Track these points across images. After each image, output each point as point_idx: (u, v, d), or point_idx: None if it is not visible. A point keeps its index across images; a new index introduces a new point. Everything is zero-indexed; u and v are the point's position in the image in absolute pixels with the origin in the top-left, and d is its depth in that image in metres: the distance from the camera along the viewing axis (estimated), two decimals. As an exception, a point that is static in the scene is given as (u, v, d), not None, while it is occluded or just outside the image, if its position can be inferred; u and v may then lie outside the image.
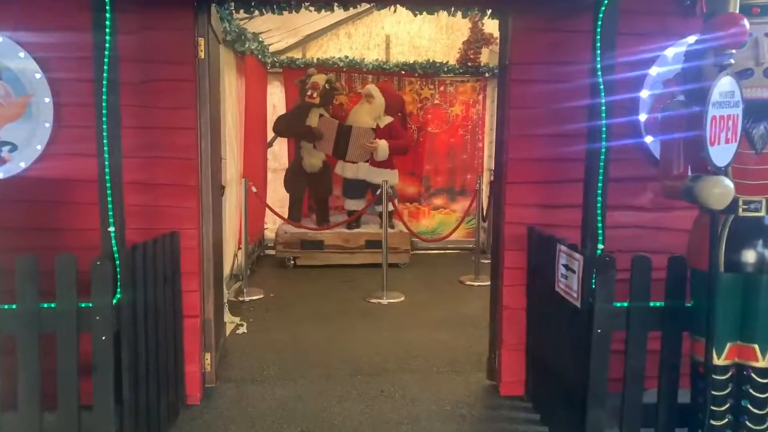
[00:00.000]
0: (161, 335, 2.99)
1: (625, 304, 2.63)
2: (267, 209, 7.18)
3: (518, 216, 3.38)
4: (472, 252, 7.34)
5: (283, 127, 6.49)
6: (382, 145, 6.31)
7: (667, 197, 2.67)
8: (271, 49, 6.79)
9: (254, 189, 5.44)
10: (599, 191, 2.66)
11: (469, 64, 7.10)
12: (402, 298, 5.45)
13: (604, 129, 2.65)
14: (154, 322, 2.90)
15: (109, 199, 2.53)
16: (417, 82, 7.21)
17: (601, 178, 2.66)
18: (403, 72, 7.11)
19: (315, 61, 6.98)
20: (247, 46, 5.22)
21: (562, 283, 2.89)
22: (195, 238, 3.29)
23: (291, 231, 6.48)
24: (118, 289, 2.52)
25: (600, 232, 2.67)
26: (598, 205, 2.67)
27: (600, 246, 2.67)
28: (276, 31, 6.07)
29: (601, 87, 2.66)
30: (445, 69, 7.10)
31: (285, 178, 6.74)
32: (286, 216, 6.71)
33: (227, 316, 4.74)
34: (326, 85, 6.29)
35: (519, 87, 3.32)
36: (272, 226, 7.27)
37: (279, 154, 7.32)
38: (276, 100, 7.16)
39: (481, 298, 5.39)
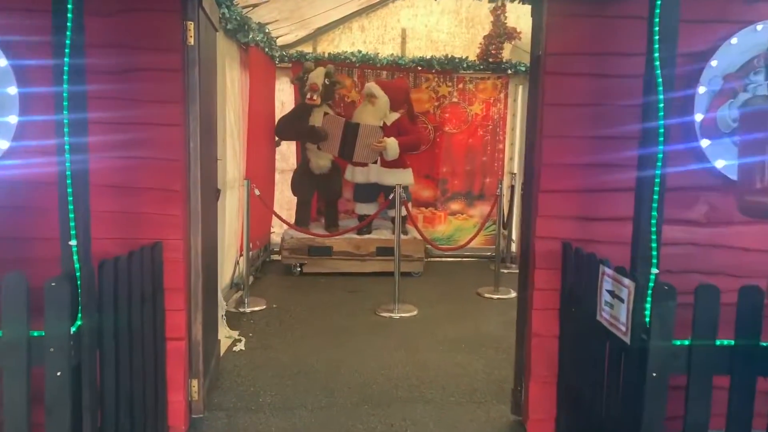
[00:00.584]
0: (137, 362, 2.59)
1: (686, 343, 2.18)
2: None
3: (551, 229, 2.93)
4: (491, 261, 6.91)
5: (284, 128, 6.07)
6: (392, 143, 5.87)
7: (746, 215, 2.22)
8: (280, 42, 6.39)
9: (257, 192, 5.03)
10: (654, 204, 2.22)
11: (491, 60, 6.64)
12: (415, 312, 5.02)
13: (662, 131, 2.21)
14: (128, 348, 2.50)
15: (71, 207, 2.12)
16: (434, 79, 6.77)
17: (657, 189, 2.22)
18: (419, 68, 6.68)
19: (326, 55, 6.56)
20: (251, 36, 4.82)
21: (606, 313, 2.45)
22: (180, 249, 2.89)
23: (298, 236, 6.08)
24: (79, 315, 2.12)
25: (654, 253, 2.23)
26: (653, 221, 2.23)
27: (654, 270, 2.22)
28: (284, 22, 5.66)
29: (659, 81, 2.21)
30: (465, 65, 6.65)
31: (292, 180, 6.33)
32: (293, 220, 6.32)
33: (225, 330, 4.35)
34: (325, 81, 5.84)
35: (555, 81, 2.88)
36: (278, 230, 6.87)
37: (287, 154, 6.92)
38: (285, 97, 6.76)
39: (501, 314, 4.96)
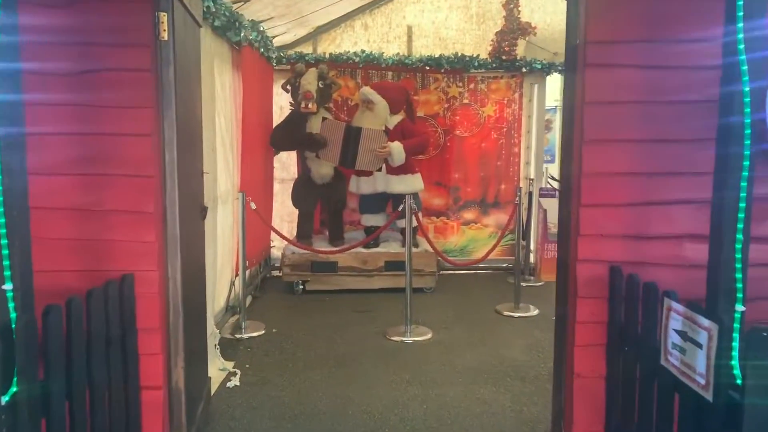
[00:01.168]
0: (101, 421, 2.14)
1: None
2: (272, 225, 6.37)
3: (596, 251, 2.46)
4: (508, 273, 6.45)
5: (279, 139, 5.60)
6: (396, 148, 5.39)
7: None
8: (277, 42, 5.96)
9: (253, 205, 4.58)
10: (740, 222, 1.77)
11: (504, 57, 6.18)
12: (429, 335, 4.55)
13: (748, 131, 1.76)
14: (88, 407, 2.06)
15: (4, 241, 1.67)
16: (443, 79, 6.31)
17: (743, 205, 1.77)
18: (427, 68, 6.22)
19: (327, 56, 6.12)
20: (243, 35, 4.38)
21: (675, 358, 1.98)
22: (155, 282, 2.43)
23: (299, 251, 5.62)
24: (15, 380, 1.66)
25: (740, 285, 1.78)
26: (737, 245, 1.77)
27: (739, 307, 1.77)
28: (280, 20, 5.22)
29: (744, 69, 1.76)
30: (476, 63, 6.18)
31: (293, 191, 5.88)
32: (294, 233, 5.88)
33: (218, 362, 3.90)
34: (319, 84, 5.39)
35: (599, 74, 2.41)
36: (279, 244, 6.41)
37: (287, 162, 6.48)
38: (284, 101, 6.28)
39: (524, 336, 4.50)
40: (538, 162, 6.50)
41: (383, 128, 5.50)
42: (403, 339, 4.47)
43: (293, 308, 5.26)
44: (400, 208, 4.69)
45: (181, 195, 2.56)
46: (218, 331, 4.12)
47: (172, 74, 2.47)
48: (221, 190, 4.34)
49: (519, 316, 5.03)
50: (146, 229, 2.40)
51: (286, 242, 6.19)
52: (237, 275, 4.75)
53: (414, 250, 5.16)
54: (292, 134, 5.50)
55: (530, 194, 6.17)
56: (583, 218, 2.46)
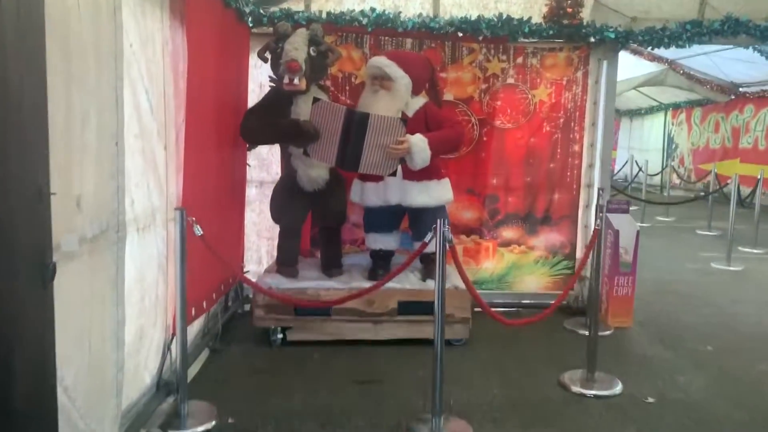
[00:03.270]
0: None
1: None
2: (246, 235, 4.79)
3: None
4: (564, 315, 4.81)
5: (253, 127, 3.92)
6: (418, 143, 3.73)
7: None
8: (256, -5, 4.32)
9: (199, 230, 2.95)
10: None
11: (565, 22, 4.52)
12: (468, 436, 2.94)
13: None
14: None
15: None
16: (481, 50, 4.66)
17: None
18: (459, 34, 4.55)
19: (324, 16, 4.47)
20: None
21: None
22: None
23: (282, 285, 4.02)
24: None
25: None
26: None
27: None
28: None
29: None
30: (526, 29, 4.51)
31: (272, 201, 4.23)
32: (274, 258, 4.28)
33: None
34: (311, 51, 3.78)
35: None
36: (256, 267, 4.82)
37: (268, 158, 4.85)
38: (265, 77, 4.63)
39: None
40: (605, 165, 4.86)
41: (400, 115, 3.86)
42: (429, 445, 2.87)
43: (265, 374, 3.64)
44: (427, 239, 3.03)
45: None
46: (127, 441, 2.51)
47: None
48: (137, 211, 2.69)
49: (595, 396, 3.41)
50: None
51: (263, 267, 4.61)
52: (173, 336, 3.12)
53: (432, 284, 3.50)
54: (272, 122, 3.86)
55: (600, 208, 4.51)
56: None
